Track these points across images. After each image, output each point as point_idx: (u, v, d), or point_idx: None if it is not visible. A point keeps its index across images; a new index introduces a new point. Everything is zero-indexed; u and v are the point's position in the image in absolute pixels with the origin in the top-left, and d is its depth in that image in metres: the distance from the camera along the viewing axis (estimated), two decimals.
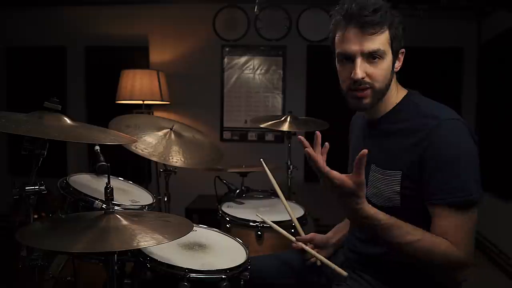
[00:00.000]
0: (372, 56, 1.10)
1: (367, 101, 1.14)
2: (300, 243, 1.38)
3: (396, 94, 1.21)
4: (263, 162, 1.53)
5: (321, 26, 3.69)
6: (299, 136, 1.05)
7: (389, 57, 1.12)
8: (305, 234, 1.47)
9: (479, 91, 3.63)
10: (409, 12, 3.48)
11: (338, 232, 1.48)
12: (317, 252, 1.37)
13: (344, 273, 1.20)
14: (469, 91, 3.66)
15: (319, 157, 1.01)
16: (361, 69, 1.10)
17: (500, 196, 3.05)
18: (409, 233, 1.02)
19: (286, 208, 1.48)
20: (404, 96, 1.21)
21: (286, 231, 1.44)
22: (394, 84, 1.20)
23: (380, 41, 1.09)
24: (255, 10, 3.31)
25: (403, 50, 1.18)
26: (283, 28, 3.79)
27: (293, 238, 1.41)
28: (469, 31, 3.63)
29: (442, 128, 1.06)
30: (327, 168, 0.96)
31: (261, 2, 3.28)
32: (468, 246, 1.04)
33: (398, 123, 1.17)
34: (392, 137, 1.17)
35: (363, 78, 1.10)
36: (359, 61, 1.10)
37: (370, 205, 1.00)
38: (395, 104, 1.20)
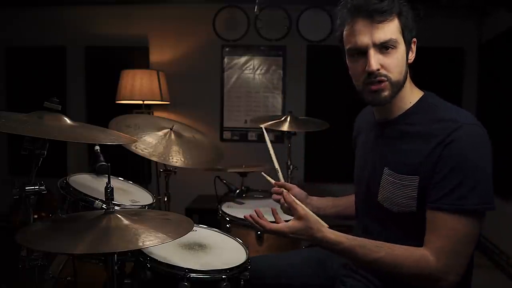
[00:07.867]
0: (385, 47, 1.06)
1: (385, 94, 1.08)
2: (278, 188, 1.34)
3: (411, 93, 1.15)
4: (264, 129, 1.46)
5: (321, 26, 3.69)
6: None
7: (402, 46, 1.09)
8: None
9: (479, 91, 3.62)
10: None
11: (327, 203, 1.48)
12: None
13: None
14: (469, 91, 3.65)
15: (263, 222, 1.14)
16: (375, 60, 1.05)
17: (500, 196, 3.04)
18: (372, 251, 1.05)
19: (270, 153, 1.41)
20: (421, 97, 1.15)
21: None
22: (408, 80, 1.14)
23: (390, 30, 1.06)
24: (255, 10, 3.31)
25: (415, 39, 1.14)
26: (283, 28, 3.79)
27: (273, 181, 1.38)
28: (470, 30, 3.62)
29: (462, 133, 1.01)
30: (270, 226, 1.13)
31: (261, 2, 3.28)
32: (451, 259, 0.99)
33: (415, 125, 1.10)
34: (409, 139, 1.10)
35: (378, 69, 1.06)
36: (372, 52, 1.05)
37: (330, 230, 1.07)
38: (411, 104, 1.14)
